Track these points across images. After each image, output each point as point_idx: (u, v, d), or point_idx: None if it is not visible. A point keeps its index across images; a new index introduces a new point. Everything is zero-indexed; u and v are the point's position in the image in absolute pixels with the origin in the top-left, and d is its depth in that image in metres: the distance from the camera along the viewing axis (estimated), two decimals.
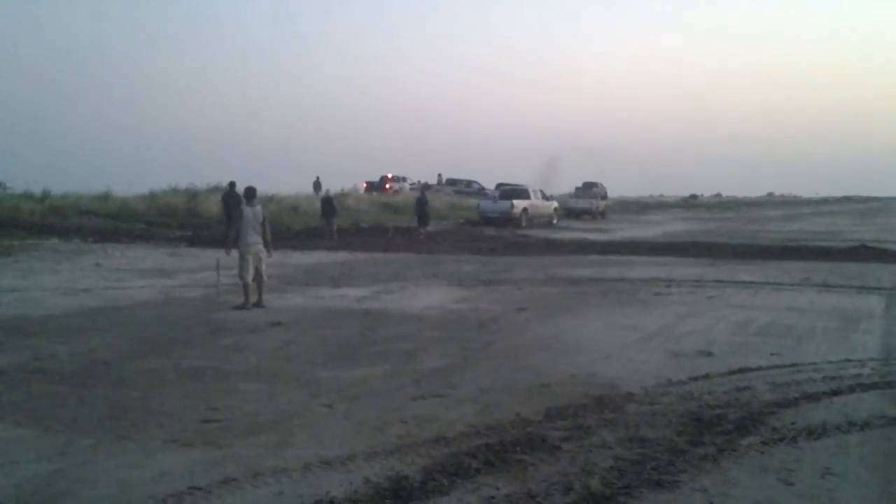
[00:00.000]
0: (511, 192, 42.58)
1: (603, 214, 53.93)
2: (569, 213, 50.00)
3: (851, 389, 7.94)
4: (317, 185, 48.81)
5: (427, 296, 14.94)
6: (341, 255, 23.87)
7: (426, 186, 49.04)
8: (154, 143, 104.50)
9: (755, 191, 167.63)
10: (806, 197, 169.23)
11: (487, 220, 40.47)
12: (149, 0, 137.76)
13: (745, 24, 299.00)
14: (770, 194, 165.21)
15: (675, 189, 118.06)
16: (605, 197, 56.00)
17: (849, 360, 9.34)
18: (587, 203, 53.43)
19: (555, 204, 45.63)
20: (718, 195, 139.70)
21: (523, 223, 40.20)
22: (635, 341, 10.62)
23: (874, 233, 38.03)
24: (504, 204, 40.75)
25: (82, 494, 5.27)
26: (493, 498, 5.16)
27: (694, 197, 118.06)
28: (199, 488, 5.29)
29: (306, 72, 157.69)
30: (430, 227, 33.42)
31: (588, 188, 56.36)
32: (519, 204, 40.80)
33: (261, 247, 13.46)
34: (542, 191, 45.13)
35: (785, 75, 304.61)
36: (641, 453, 5.94)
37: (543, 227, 41.25)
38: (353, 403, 7.38)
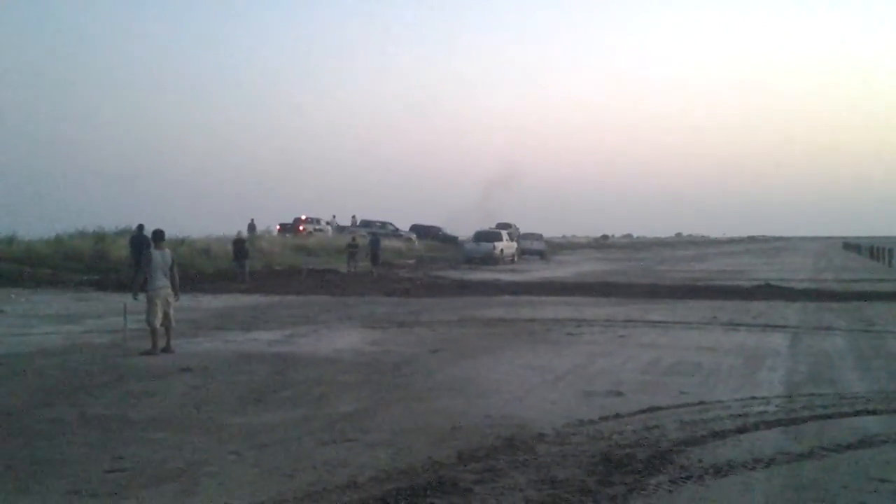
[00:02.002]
0: (489, 234, 49.05)
1: (545, 255, 59.99)
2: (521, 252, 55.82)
3: (756, 427, 8.09)
4: (251, 227, 48.43)
5: (340, 338, 14.85)
6: (253, 299, 23.62)
7: (371, 229, 52.39)
8: (62, 186, 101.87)
9: (665, 231, 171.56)
10: (714, 237, 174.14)
11: (469, 259, 46.27)
12: (60, 38, 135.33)
13: (652, 70, 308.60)
14: (679, 234, 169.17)
15: (587, 230, 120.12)
16: (518, 237, 58.52)
17: (754, 398, 9.54)
18: (541, 245, 60.68)
19: (516, 245, 52.27)
20: (629, 236, 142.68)
21: (499, 262, 46.12)
22: (547, 382, 10.69)
23: (778, 272, 39.20)
24: (487, 245, 47.09)
25: None
26: None
27: (605, 237, 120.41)
28: None
29: (218, 114, 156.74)
30: (353, 269, 35.19)
31: (503, 229, 57.56)
32: (498, 245, 47.19)
33: (169, 291, 13.23)
34: (508, 234, 51.56)
35: (693, 121, 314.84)
36: (552, 494, 5.95)
37: (508, 264, 47.37)
38: (262, 450, 7.25)
